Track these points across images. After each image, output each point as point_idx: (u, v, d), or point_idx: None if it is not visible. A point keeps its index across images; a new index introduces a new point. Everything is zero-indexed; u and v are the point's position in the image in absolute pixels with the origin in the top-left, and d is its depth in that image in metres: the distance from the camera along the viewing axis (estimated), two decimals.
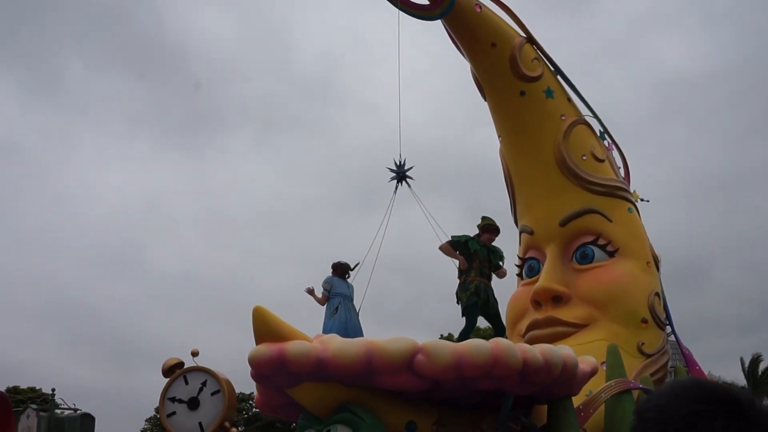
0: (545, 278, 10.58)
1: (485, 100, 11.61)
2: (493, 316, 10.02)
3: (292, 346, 6.52)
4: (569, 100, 11.41)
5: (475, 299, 9.88)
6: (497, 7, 11.13)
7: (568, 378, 7.44)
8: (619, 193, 11.07)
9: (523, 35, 11.17)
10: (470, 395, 7.27)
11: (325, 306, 10.46)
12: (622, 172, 12.12)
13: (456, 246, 10.01)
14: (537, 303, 10.59)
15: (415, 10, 10.53)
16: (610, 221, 10.79)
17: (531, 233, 11.27)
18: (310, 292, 10.26)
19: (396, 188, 10.37)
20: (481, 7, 10.82)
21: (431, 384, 6.73)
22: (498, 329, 9.98)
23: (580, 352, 8.83)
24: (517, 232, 11.84)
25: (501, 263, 10.80)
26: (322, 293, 10.38)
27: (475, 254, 10.07)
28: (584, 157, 11.02)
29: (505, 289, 11.66)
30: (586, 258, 10.69)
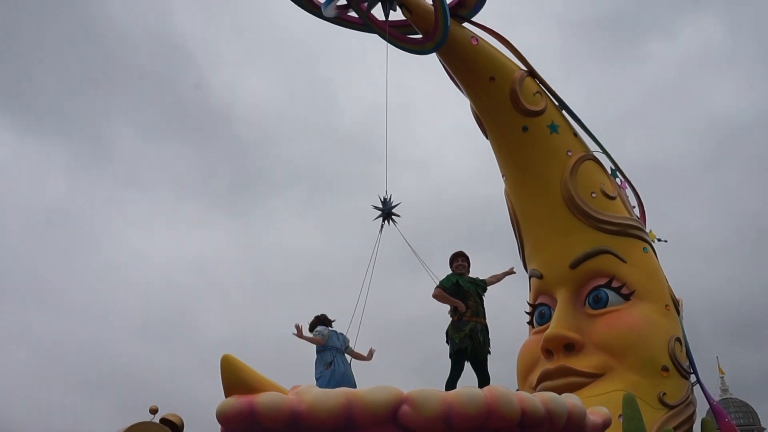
0: (556, 325, 9.95)
1: (487, 137, 11.16)
2: (481, 362, 9.31)
3: (263, 399, 5.97)
4: (575, 135, 10.94)
5: (468, 344, 9.22)
6: (496, 40, 10.74)
7: (577, 430, 6.78)
8: (632, 231, 10.48)
9: (524, 68, 10.75)
10: None
11: (316, 359, 9.84)
12: (637, 211, 11.54)
13: (448, 290, 9.40)
14: (548, 352, 9.94)
15: (406, 44, 10.20)
16: (624, 262, 10.20)
17: (540, 277, 10.68)
18: (300, 329, 9.59)
19: (381, 227, 9.82)
20: (477, 40, 10.48)
21: None
22: (482, 379, 9.22)
23: (596, 404, 8.18)
24: (526, 277, 11.22)
25: (485, 289, 10.04)
26: (315, 336, 9.74)
27: (468, 293, 9.46)
28: (594, 195, 10.48)
29: (516, 341, 11.01)
30: (599, 302, 10.07)
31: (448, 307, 9.64)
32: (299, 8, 10.21)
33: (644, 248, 10.54)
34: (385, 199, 9.88)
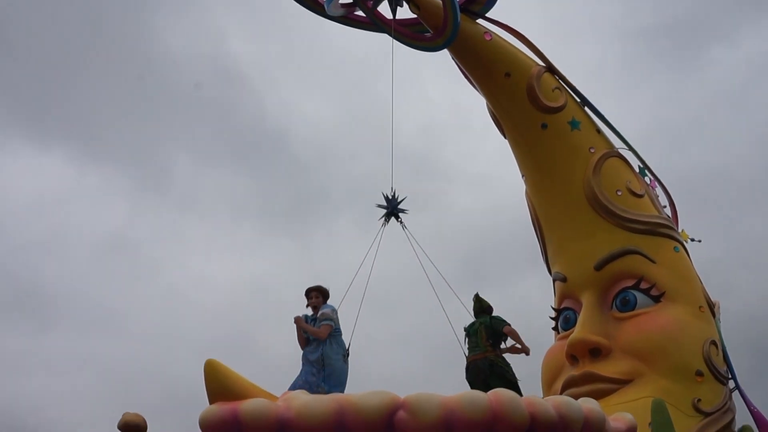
0: (581, 329, 9.36)
1: (504, 137, 10.65)
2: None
3: (248, 406, 5.52)
4: (598, 131, 10.38)
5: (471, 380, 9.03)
6: (512, 36, 10.25)
7: None
8: (662, 230, 9.85)
9: (542, 64, 10.24)
10: None
11: (327, 344, 9.00)
12: (668, 212, 10.88)
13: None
14: (573, 357, 9.34)
15: (415, 41, 9.77)
16: (654, 262, 9.56)
17: (564, 280, 10.09)
18: (300, 321, 8.91)
19: (383, 225, 9.32)
20: (491, 36, 10.01)
21: None
22: None
23: (624, 411, 7.55)
24: (551, 281, 10.63)
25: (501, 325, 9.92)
26: (324, 325, 8.93)
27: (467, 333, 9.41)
28: (619, 193, 9.89)
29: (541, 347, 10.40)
30: (627, 305, 9.44)
31: None
32: (303, 8, 9.85)
33: (675, 248, 9.90)
34: (389, 196, 9.39)
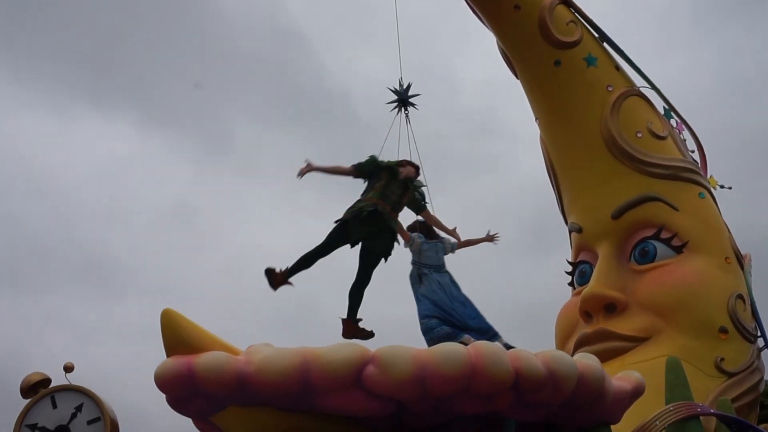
0: (595, 283, 8.94)
1: (517, 77, 10.13)
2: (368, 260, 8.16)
3: (203, 359, 5.21)
4: (618, 68, 9.85)
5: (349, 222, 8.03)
6: None
7: (593, 397, 5.78)
8: (686, 175, 9.33)
9: None
10: (458, 423, 5.70)
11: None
12: (697, 157, 10.31)
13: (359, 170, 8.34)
14: (587, 314, 8.93)
15: None
16: (676, 210, 9.07)
17: (580, 231, 9.64)
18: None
19: (397, 113, 8.97)
20: None
21: (394, 406, 5.25)
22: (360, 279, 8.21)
23: (640, 371, 7.15)
24: (567, 232, 10.17)
25: (423, 202, 8.83)
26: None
27: (385, 172, 8.28)
28: (639, 135, 9.37)
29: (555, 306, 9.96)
30: (646, 256, 8.98)
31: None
32: None
33: (700, 194, 9.38)
34: (402, 85, 9.05)
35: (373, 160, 8.58)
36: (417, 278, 8.91)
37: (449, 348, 5.23)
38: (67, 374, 5.56)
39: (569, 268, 9.91)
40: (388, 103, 9.15)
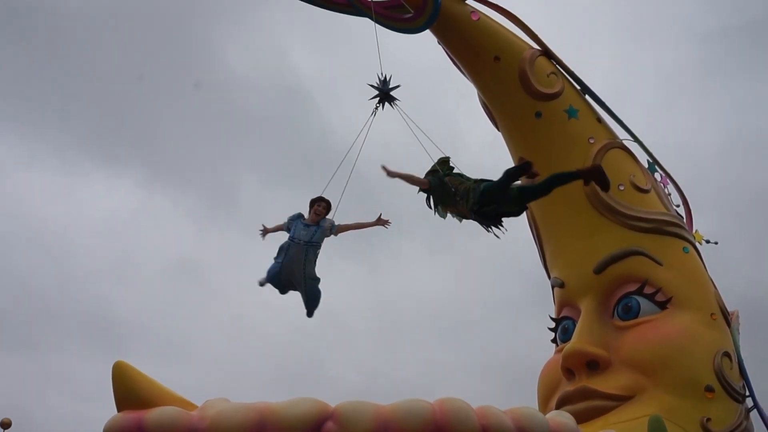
0: (577, 339, 8.74)
1: (497, 128, 10.05)
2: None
3: (154, 415, 5.00)
4: (599, 120, 9.78)
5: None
6: (502, 17, 9.68)
7: None
8: (669, 229, 9.19)
9: (537, 47, 9.65)
10: None
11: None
12: (682, 212, 10.19)
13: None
14: (569, 371, 8.69)
15: (394, 22, 9.22)
16: (660, 264, 8.92)
17: (562, 286, 9.46)
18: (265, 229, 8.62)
19: (375, 109, 8.78)
20: (478, 16, 9.45)
21: None
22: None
23: (623, 431, 6.93)
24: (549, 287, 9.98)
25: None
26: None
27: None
28: (621, 188, 9.26)
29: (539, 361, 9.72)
30: (629, 312, 8.80)
31: None
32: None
33: (684, 248, 9.23)
34: (383, 79, 8.88)
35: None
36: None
37: (413, 404, 5.02)
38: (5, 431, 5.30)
39: (552, 325, 9.69)
40: (371, 99, 8.99)
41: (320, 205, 8.65)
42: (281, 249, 8.69)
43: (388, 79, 8.78)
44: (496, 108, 9.81)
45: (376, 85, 8.82)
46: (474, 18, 9.41)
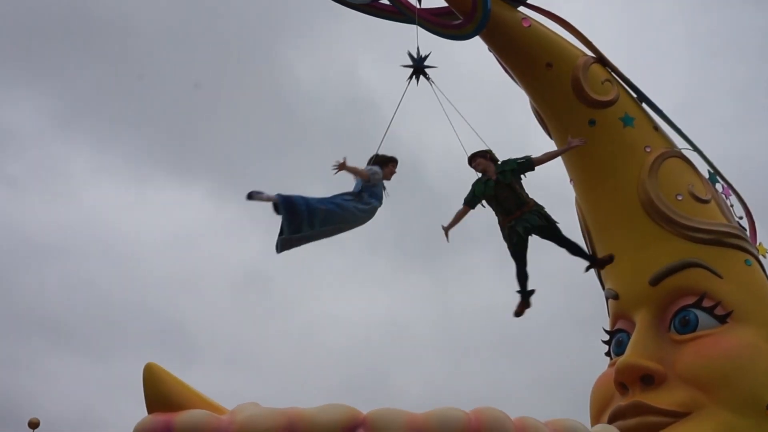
0: (631, 352, 8.45)
1: (551, 137, 9.83)
2: (551, 238, 8.28)
3: (183, 418, 4.98)
4: (656, 128, 9.49)
5: (514, 244, 8.32)
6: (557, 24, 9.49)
7: None
8: (730, 240, 8.83)
9: (591, 54, 9.42)
10: None
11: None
12: (745, 224, 9.79)
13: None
14: (622, 386, 8.39)
15: (443, 29, 9.11)
16: (720, 277, 8.57)
17: (617, 298, 9.18)
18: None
19: (409, 83, 8.72)
20: (530, 23, 9.28)
21: None
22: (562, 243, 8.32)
23: None
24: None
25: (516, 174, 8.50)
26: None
27: (486, 198, 8.47)
28: (679, 197, 8.94)
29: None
30: (687, 325, 8.46)
31: None
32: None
33: (746, 261, 8.86)
34: (419, 55, 8.83)
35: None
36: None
37: (447, 413, 4.87)
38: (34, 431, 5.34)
39: (606, 337, 9.40)
40: (403, 66, 8.93)
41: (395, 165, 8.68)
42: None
43: (424, 56, 8.74)
44: (548, 116, 9.62)
45: (411, 57, 8.80)
46: (525, 24, 9.24)
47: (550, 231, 8.31)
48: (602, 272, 9.59)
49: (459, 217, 8.71)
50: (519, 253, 8.44)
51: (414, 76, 8.81)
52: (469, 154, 8.68)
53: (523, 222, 8.17)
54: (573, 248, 8.39)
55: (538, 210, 8.33)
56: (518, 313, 8.56)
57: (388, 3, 9.50)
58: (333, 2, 9.42)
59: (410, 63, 8.80)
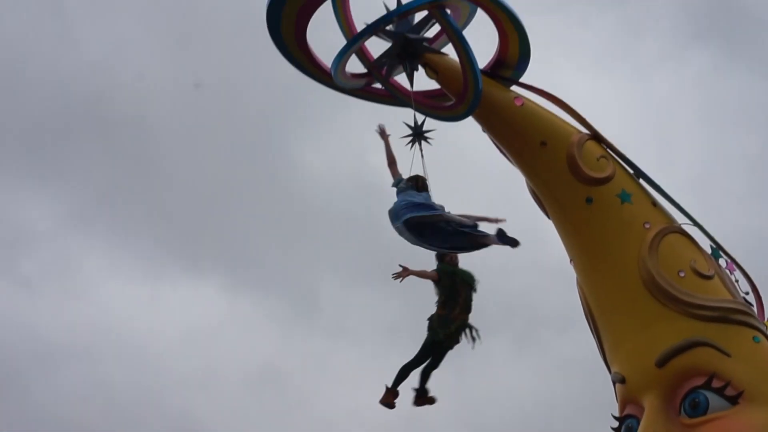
0: None
1: (548, 217, 9.70)
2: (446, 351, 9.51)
3: None
4: (655, 204, 9.34)
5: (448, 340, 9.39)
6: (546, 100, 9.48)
7: None
8: (737, 317, 8.57)
9: (586, 131, 9.38)
10: None
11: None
12: (752, 299, 9.55)
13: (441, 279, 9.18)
14: None
15: (436, 111, 9.13)
16: (728, 355, 8.25)
17: (623, 382, 8.85)
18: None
19: (411, 148, 9.21)
20: (522, 101, 9.29)
21: None
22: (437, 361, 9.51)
23: None
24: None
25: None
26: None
27: (461, 286, 8.89)
28: (681, 274, 8.71)
29: None
30: (697, 408, 8.12)
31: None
32: (310, 79, 9.42)
33: (755, 338, 8.54)
34: (416, 122, 9.18)
35: (448, 270, 9.96)
36: None
37: None
38: None
39: (615, 424, 9.03)
40: (402, 137, 9.39)
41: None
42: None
43: (420, 123, 9.08)
44: (544, 195, 9.49)
45: (408, 125, 9.12)
46: (518, 103, 9.24)
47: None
48: (608, 356, 9.31)
49: (421, 275, 9.74)
50: (444, 351, 9.44)
51: (416, 142, 9.03)
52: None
53: (464, 328, 8.86)
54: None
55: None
56: (390, 404, 9.22)
57: (381, 87, 9.56)
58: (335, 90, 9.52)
59: (409, 132, 9.04)
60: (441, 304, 9.78)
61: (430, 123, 9.23)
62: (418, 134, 9.04)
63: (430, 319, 9.74)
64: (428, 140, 9.13)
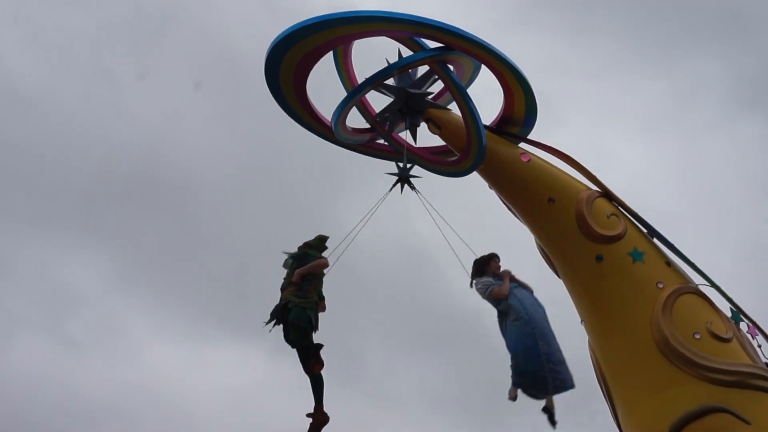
0: None
1: (558, 276, 9.41)
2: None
3: None
4: (668, 263, 8.98)
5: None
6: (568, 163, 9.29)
7: None
8: (757, 382, 8.13)
9: (596, 189, 9.15)
10: None
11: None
12: None
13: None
14: None
15: (441, 167, 8.98)
16: (747, 423, 7.82)
17: None
18: None
19: (392, 188, 9.04)
20: (529, 157, 9.10)
21: None
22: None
23: None
24: None
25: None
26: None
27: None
28: (697, 336, 8.33)
29: None
30: None
31: None
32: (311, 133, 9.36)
33: None
34: (404, 166, 9.08)
35: None
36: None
37: None
38: None
39: None
40: (389, 173, 9.28)
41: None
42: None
43: (407, 166, 9.02)
44: (553, 253, 9.23)
45: (398, 166, 9.09)
46: (524, 159, 9.08)
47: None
48: (621, 421, 8.86)
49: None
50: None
51: (399, 185, 9.01)
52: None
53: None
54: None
55: None
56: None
57: (384, 143, 9.47)
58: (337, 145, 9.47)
59: (395, 171, 8.97)
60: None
61: (417, 170, 9.28)
62: (403, 178, 8.98)
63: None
64: (412, 186, 9.10)
